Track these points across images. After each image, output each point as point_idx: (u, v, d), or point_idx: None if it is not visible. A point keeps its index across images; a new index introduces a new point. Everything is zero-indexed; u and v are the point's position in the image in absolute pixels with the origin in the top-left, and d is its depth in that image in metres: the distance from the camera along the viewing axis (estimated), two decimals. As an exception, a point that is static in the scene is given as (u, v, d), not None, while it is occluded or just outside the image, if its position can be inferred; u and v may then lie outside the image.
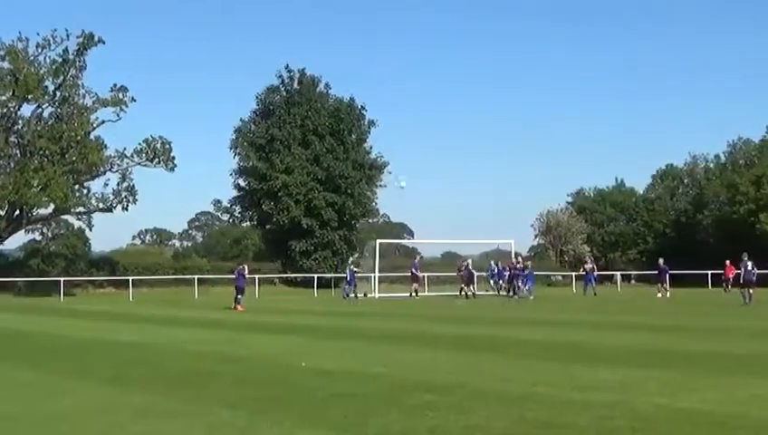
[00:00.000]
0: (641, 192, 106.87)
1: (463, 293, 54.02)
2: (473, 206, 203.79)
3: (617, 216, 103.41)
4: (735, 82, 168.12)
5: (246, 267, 46.23)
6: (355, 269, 57.70)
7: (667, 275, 55.36)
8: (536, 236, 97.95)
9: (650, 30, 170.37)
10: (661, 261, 55.28)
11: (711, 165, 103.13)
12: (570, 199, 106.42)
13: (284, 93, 79.61)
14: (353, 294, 55.41)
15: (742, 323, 28.66)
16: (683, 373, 14.63)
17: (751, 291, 42.91)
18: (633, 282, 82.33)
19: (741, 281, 44.61)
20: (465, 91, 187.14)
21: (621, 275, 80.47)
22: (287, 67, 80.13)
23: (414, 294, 55.17)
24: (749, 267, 43.99)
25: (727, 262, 57.54)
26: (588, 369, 15.47)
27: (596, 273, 57.42)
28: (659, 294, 52.60)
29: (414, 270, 57.14)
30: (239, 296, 42.74)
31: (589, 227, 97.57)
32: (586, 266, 57.56)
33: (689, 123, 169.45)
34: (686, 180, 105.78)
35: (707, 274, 69.72)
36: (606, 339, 22.32)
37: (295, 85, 79.73)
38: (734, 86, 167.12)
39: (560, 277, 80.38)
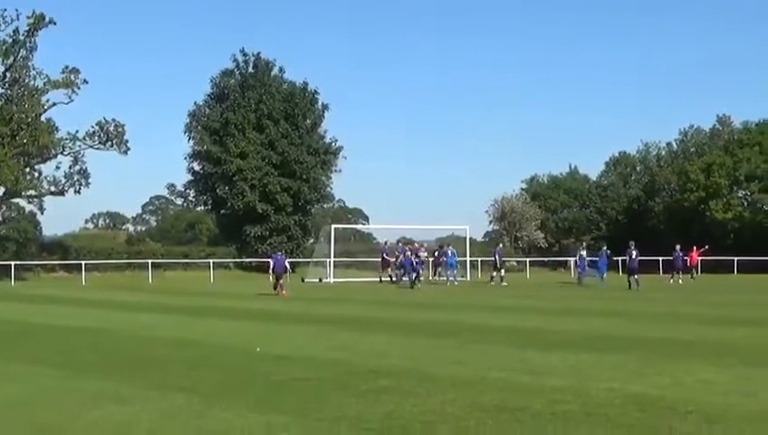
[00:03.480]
0: (594, 179, 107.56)
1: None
2: (428, 192, 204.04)
3: (570, 202, 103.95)
4: (687, 72, 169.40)
5: (283, 253, 46.04)
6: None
7: (681, 262, 54.98)
8: (491, 223, 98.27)
9: (605, 19, 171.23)
10: (678, 247, 54.91)
11: (663, 153, 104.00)
12: (524, 186, 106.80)
13: (239, 77, 79.19)
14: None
15: (692, 310, 28.93)
16: (634, 359, 14.77)
17: (636, 277, 44.63)
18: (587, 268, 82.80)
19: (627, 269, 46.56)
20: (420, 76, 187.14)
21: (575, 261, 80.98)
22: (242, 50, 79.78)
23: (391, 278, 54.72)
24: (633, 256, 46.12)
25: (694, 248, 58.01)
26: (541, 354, 15.58)
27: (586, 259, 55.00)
28: (672, 280, 52.44)
29: (385, 255, 56.64)
30: (280, 282, 42.04)
31: (543, 213, 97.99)
32: (582, 253, 55.52)
33: (642, 111, 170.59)
34: (638, 168, 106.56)
35: (659, 260, 70.26)
36: (559, 324, 22.49)
37: (250, 69, 79.34)
38: (686, 75, 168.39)
39: (514, 263, 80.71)
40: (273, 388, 12.11)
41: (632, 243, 47.27)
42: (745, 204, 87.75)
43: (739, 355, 15.17)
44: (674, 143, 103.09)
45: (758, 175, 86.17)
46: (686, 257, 55.77)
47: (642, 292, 41.14)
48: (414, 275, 49.94)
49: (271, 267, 42.79)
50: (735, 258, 71.76)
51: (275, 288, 41.45)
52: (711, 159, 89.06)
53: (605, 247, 52.71)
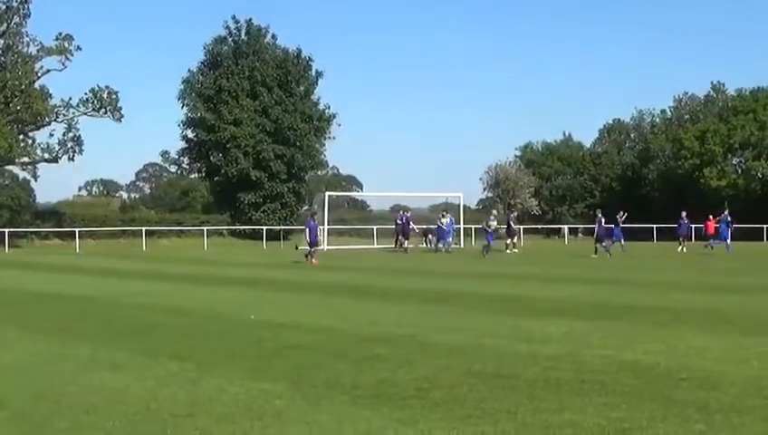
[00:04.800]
0: (588, 146, 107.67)
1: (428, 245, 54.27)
2: (422, 159, 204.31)
3: (564, 169, 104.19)
4: (681, 39, 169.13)
5: (315, 218, 44.76)
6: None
7: (687, 229, 54.66)
8: (485, 190, 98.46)
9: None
10: (684, 214, 54.51)
11: (657, 120, 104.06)
12: (518, 153, 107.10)
13: (232, 44, 79.11)
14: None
15: (685, 277, 29.00)
16: (627, 326, 14.79)
17: (605, 244, 45.46)
18: (580, 235, 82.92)
19: (595, 237, 46.63)
20: (414, 44, 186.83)
21: (569, 228, 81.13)
22: (234, 17, 79.61)
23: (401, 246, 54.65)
24: (603, 223, 46.59)
25: (710, 217, 57.81)
26: (535, 321, 15.60)
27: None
28: (680, 248, 52.04)
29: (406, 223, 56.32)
30: (312, 250, 41.32)
31: (536, 180, 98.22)
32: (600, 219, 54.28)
33: (636, 78, 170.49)
34: (632, 135, 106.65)
35: (653, 227, 70.39)
36: (553, 292, 22.51)
37: (243, 36, 79.18)
38: (681, 42, 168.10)
39: (502, 231, 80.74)
40: (267, 355, 12.12)
41: (599, 211, 48.04)
42: (739, 171, 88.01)
43: (732, 322, 15.20)
44: (668, 110, 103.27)
45: (752, 142, 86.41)
46: (690, 225, 55.36)
47: (614, 259, 41.29)
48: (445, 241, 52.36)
49: (306, 234, 42.11)
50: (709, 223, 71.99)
51: (309, 256, 40.88)
52: (705, 127, 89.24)
53: (726, 212, 50.85)
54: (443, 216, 54.54)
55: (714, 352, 11.81)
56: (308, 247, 41.13)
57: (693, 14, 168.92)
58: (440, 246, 51.88)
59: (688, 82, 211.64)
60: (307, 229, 41.95)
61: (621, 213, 52.47)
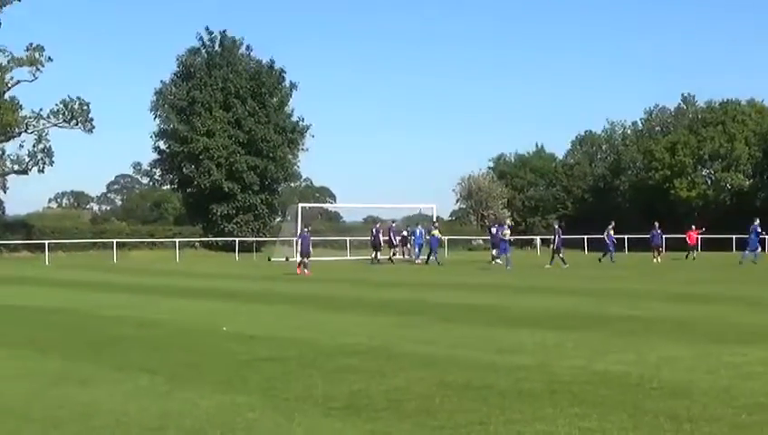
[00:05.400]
0: (561, 158, 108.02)
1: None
2: (396, 170, 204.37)
3: (537, 181, 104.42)
4: (653, 51, 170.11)
5: (309, 230, 44.58)
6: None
7: (660, 240, 54.76)
8: (458, 201, 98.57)
9: (577, 3, 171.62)
10: (656, 225, 54.78)
11: (628, 131, 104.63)
12: (491, 164, 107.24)
13: (205, 55, 78.87)
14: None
15: (656, 287, 29.15)
16: (598, 336, 14.85)
17: (562, 255, 46.26)
18: (562, 248, 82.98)
19: (554, 248, 47.20)
20: (387, 55, 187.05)
21: (541, 239, 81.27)
22: (207, 29, 79.44)
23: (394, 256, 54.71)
24: (493, 232, 48.90)
25: (693, 227, 58.00)
26: (507, 332, 15.64)
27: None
28: (655, 259, 52.10)
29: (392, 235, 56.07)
30: (305, 260, 41.28)
31: (509, 191, 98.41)
32: (611, 231, 54.30)
33: (608, 90, 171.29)
34: (604, 146, 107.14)
35: (624, 238, 70.62)
36: (525, 302, 22.58)
37: (216, 47, 79.01)
38: (652, 55, 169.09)
39: (480, 241, 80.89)
40: (239, 367, 12.08)
41: (557, 221, 48.07)
42: (709, 182, 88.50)
43: (702, 332, 15.28)
44: (639, 122, 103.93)
45: (721, 154, 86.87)
46: (662, 235, 55.48)
47: (572, 269, 41.82)
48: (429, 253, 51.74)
49: (298, 246, 41.97)
50: (699, 236, 72.26)
51: (301, 266, 40.86)
52: (676, 138, 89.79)
53: (757, 222, 49.11)
54: (434, 227, 54.27)
55: (684, 362, 11.88)
56: (299, 258, 41.08)
57: (663, 26, 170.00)
58: (432, 258, 51.18)
59: (659, 94, 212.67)
60: (300, 240, 41.87)
61: (612, 224, 52.73)
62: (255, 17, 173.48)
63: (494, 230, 51.87)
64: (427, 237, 53.24)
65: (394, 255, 54.49)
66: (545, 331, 15.61)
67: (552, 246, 48.26)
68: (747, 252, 46.66)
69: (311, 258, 41.88)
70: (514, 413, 8.83)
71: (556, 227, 48.13)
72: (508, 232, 46.86)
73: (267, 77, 78.14)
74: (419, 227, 56.31)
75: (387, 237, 55.68)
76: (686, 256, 54.77)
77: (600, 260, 50.50)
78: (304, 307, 22.35)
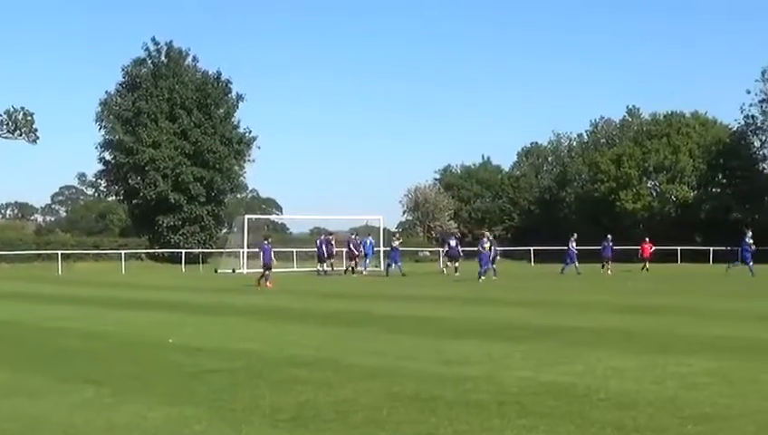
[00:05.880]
0: (507, 169, 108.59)
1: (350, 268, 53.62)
2: (342, 182, 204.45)
3: (483, 192, 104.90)
4: (598, 63, 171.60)
5: (269, 241, 43.56)
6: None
7: (611, 252, 54.89)
8: (404, 212, 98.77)
9: (517, 11, 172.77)
10: (609, 237, 55.01)
11: (574, 143, 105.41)
12: (437, 176, 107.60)
13: (151, 66, 78.44)
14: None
15: (604, 298, 29.32)
16: (546, 347, 14.91)
17: (457, 264, 48.23)
18: (498, 258, 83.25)
19: (446, 255, 49.38)
20: (333, 65, 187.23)
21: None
22: (154, 39, 79.05)
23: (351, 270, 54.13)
24: (453, 244, 50.39)
25: (647, 240, 58.37)
26: (455, 343, 15.66)
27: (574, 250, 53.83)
28: (608, 271, 52.22)
29: (351, 246, 55.50)
30: (267, 272, 40.58)
31: (456, 203, 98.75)
32: (572, 244, 54.40)
33: (553, 102, 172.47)
34: (550, 158, 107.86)
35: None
36: (473, 314, 22.63)
37: (162, 58, 78.62)
38: (597, 66, 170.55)
39: (427, 253, 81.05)
40: (186, 379, 12.01)
41: (487, 233, 48.94)
42: (654, 194, 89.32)
43: (648, 343, 15.39)
44: (585, 134, 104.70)
45: (666, 166, 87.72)
46: (613, 247, 55.75)
47: (517, 280, 42.74)
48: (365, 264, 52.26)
49: (261, 257, 41.61)
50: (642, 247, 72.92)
51: (263, 279, 40.31)
52: (621, 150, 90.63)
53: (750, 234, 49.24)
54: (396, 239, 54.02)
55: (631, 373, 11.95)
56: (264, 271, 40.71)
57: (608, 39, 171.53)
58: (394, 268, 50.39)
59: (604, 106, 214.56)
60: (261, 252, 41.52)
61: (575, 236, 52.91)
62: (202, 29, 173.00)
63: (452, 243, 52.02)
64: (381, 249, 53.05)
65: (356, 266, 54.13)
66: (493, 342, 15.66)
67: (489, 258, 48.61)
68: (750, 264, 46.79)
69: (273, 270, 41.44)
70: (462, 424, 8.84)
71: (491, 238, 48.63)
72: (488, 244, 45.77)
73: (213, 88, 77.91)
74: (369, 238, 56.35)
75: (347, 249, 55.42)
76: (642, 269, 55.16)
77: (562, 271, 50.65)
78: (251, 319, 22.26)
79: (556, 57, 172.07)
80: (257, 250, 42.48)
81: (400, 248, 53.57)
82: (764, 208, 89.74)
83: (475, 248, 46.48)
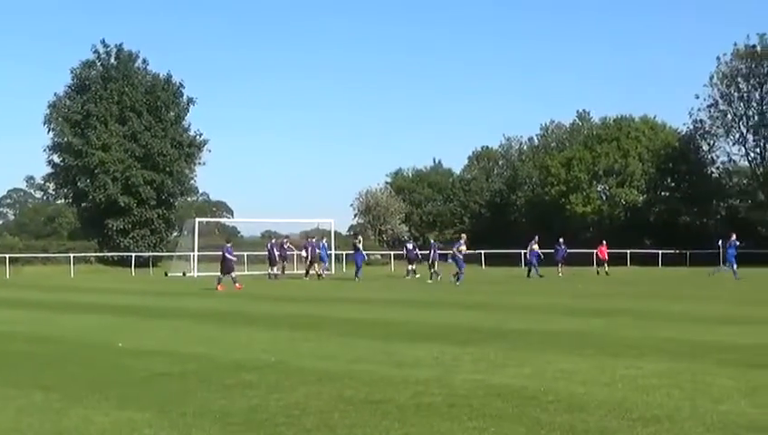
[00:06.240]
0: (458, 173, 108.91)
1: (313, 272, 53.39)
2: (293, 185, 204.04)
3: (434, 196, 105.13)
4: (549, 67, 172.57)
5: (231, 244, 43.46)
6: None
7: (564, 254, 54.99)
8: (356, 216, 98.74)
9: (466, 14, 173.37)
10: (561, 240, 55.15)
11: (524, 147, 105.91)
12: (388, 179, 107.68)
13: (101, 68, 77.94)
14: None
15: (555, 301, 29.48)
16: (496, 350, 14.95)
17: (413, 266, 49.48)
18: (449, 261, 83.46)
19: (429, 262, 49.36)
20: (286, 70, 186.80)
21: (439, 254, 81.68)
22: (103, 41, 78.56)
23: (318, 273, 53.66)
24: (410, 247, 51.93)
25: (603, 242, 58.65)
26: (406, 346, 15.67)
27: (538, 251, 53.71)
28: (559, 273, 52.24)
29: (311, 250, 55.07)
30: (225, 276, 40.51)
31: (407, 206, 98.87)
32: (534, 246, 54.41)
33: (504, 106, 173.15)
34: (500, 162, 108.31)
35: (520, 253, 71.33)
36: (424, 317, 22.66)
37: (112, 60, 78.16)
38: (548, 71, 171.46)
39: (379, 256, 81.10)
40: (136, 384, 11.94)
41: (409, 236, 49.23)
42: (604, 198, 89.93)
43: (598, 345, 15.49)
44: (535, 138, 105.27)
45: (616, 170, 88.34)
46: (566, 250, 55.97)
47: (421, 280, 43.84)
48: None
49: (222, 261, 41.39)
50: (594, 251, 73.37)
51: (220, 283, 40.11)
52: (571, 154, 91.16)
53: (734, 237, 49.22)
54: (359, 242, 53.75)
55: (580, 375, 12.02)
56: (222, 275, 40.42)
57: (559, 42, 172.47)
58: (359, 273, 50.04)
59: (555, 110, 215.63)
60: (225, 254, 41.27)
61: (536, 238, 53.01)
62: (153, 32, 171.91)
63: (410, 246, 52.19)
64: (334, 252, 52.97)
65: (319, 270, 53.88)
66: (444, 345, 15.69)
67: (428, 260, 48.94)
68: (734, 267, 46.98)
69: (233, 273, 41.22)
70: (413, 427, 8.86)
71: (432, 241, 49.02)
72: (464, 248, 45.75)
73: (164, 91, 77.60)
74: (324, 240, 56.33)
75: (309, 253, 55.09)
76: (601, 272, 55.48)
77: (528, 276, 50.77)
78: (202, 322, 22.14)
79: (506, 61, 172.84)
80: (225, 253, 42.01)
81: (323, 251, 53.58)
82: (713, 212, 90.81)
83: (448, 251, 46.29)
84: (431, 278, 46.46)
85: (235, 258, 41.86)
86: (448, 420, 9.11)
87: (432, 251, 48.66)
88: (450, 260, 45.80)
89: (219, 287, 39.10)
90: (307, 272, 53.23)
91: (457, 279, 42.47)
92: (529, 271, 51.48)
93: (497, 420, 9.10)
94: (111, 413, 9.81)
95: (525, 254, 53.81)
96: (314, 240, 55.72)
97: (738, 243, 49.24)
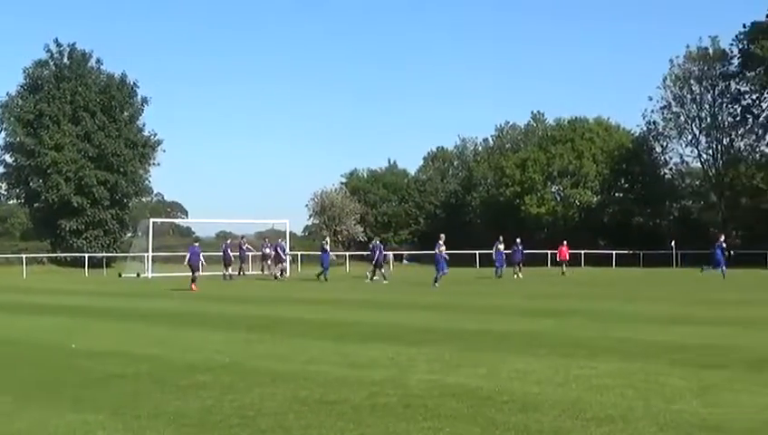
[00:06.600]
0: (413, 173, 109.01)
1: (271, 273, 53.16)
2: (248, 186, 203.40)
3: (389, 196, 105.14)
4: (504, 68, 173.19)
5: (199, 244, 43.12)
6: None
7: (521, 256, 54.85)
8: (311, 217, 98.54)
9: (417, 15, 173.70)
10: (518, 241, 55.03)
11: (480, 148, 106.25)
12: (344, 180, 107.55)
13: (54, 68, 77.38)
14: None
15: (510, 301, 29.58)
16: (451, 350, 14.98)
17: (383, 270, 48.81)
18: (405, 262, 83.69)
19: (374, 262, 49.18)
20: (241, 70, 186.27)
21: (394, 254, 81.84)
22: (56, 41, 78.02)
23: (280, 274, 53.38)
24: (382, 250, 50.38)
25: (564, 243, 58.71)
26: (361, 347, 15.68)
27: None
28: (519, 276, 52.03)
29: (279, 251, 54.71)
30: (193, 276, 40.23)
31: (362, 207, 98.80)
32: (500, 246, 54.15)
33: (459, 107, 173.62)
34: (455, 162, 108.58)
35: (475, 254, 71.55)
36: (379, 317, 22.66)
37: (65, 60, 77.62)
38: (503, 72, 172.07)
39: (334, 257, 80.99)
40: (90, 385, 11.86)
41: (377, 238, 51.51)
42: (558, 199, 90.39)
43: (551, 346, 15.55)
44: (490, 139, 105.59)
45: (570, 171, 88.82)
46: (523, 251, 55.94)
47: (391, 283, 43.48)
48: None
49: (187, 260, 41.22)
50: (549, 251, 73.72)
51: (193, 282, 39.89)
52: (526, 155, 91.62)
53: (722, 239, 49.69)
54: (326, 243, 53.35)
55: (535, 375, 12.07)
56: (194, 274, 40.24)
57: (514, 44, 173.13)
58: (325, 273, 49.48)
59: (510, 111, 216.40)
60: (190, 255, 41.03)
61: (500, 238, 52.93)
62: (107, 32, 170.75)
63: (371, 246, 52.03)
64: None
65: (282, 271, 53.67)
66: (399, 345, 15.70)
67: (372, 261, 48.97)
68: (724, 267, 47.23)
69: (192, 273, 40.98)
70: (368, 428, 8.87)
71: (377, 242, 49.14)
72: (443, 247, 45.25)
73: (118, 91, 77.18)
74: (281, 241, 56.14)
75: (275, 254, 54.80)
76: (564, 272, 55.61)
77: (498, 276, 50.83)
78: (156, 323, 22.03)
79: (461, 62, 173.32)
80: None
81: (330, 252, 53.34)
82: (665, 213, 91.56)
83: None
84: (371, 278, 46.56)
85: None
86: (404, 421, 9.13)
87: (377, 253, 48.61)
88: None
89: (194, 287, 39.15)
90: (277, 273, 52.96)
91: (435, 281, 42.13)
92: (497, 271, 51.54)
93: (452, 421, 9.13)
94: (65, 415, 9.75)
95: (492, 254, 53.69)
96: (280, 241, 55.64)
97: (725, 245, 49.61)
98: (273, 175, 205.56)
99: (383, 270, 49.42)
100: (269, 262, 55.61)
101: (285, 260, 55.17)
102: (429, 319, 22.04)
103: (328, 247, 50.97)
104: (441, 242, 44.94)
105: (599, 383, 11.37)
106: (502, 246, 52.50)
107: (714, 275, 46.47)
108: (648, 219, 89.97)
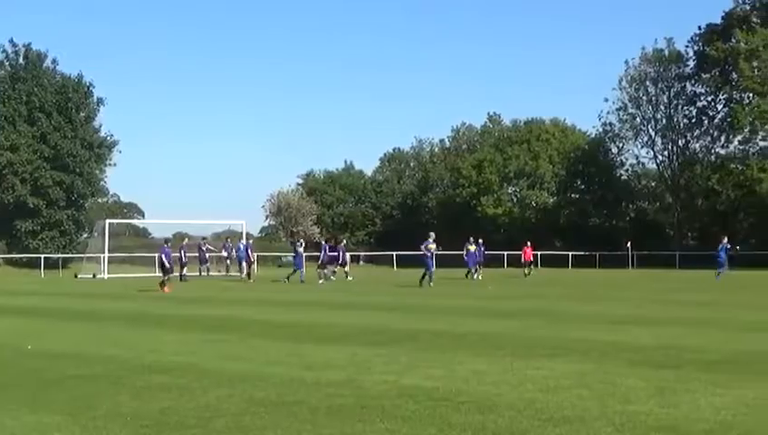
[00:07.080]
0: (369, 174, 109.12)
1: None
2: (205, 187, 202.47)
3: (346, 197, 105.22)
4: (460, 70, 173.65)
5: (169, 244, 42.99)
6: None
7: (482, 256, 54.71)
8: (267, 217, 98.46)
9: (377, 15, 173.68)
10: (480, 241, 54.93)
11: (436, 149, 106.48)
12: (300, 181, 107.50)
13: (9, 68, 76.88)
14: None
15: (466, 303, 29.66)
16: (408, 351, 15.03)
17: (336, 269, 50.14)
18: (362, 263, 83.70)
19: (319, 262, 50.10)
20: (196, 71, 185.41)
21: (350, 255, 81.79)
22: (12, 41, 77.51)
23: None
24: (327, 251, 50.69)
25: (528, 244, 58.73)
26: (317, 348, 15.69)
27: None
28: (477, 275, 51.86)
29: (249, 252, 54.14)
30: (166, 277, 40.07)
31: (319, 208, 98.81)
32: (470, 247, 53.89)
33: (415, 108, 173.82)
34: (412, 163, 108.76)
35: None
36: (335, 319, 22.67)
37: (20, 60, 77.11)
38: (457, 73, 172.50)
39: (290, 258, 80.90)
40: (46, 386, 11.81)
41: (324, 239, 49.94)
42: (515, 200, 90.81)
43: (508, 347, 15.61)
44: (446, 140, 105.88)
45: (526, 172, 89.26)
46: (484, 252, 55.87)
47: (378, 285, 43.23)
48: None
49: (158, 260, 40.80)
50: (506, 252, 73.99)
51: (164, 284, 39.59)
52: (482, 156, 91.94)
53: (725, 240, 49.79)
54: (300, 244, 52.88)
55: (491, 376, 12.13)
56: (164, 276, 40.03)
57: (470, 44, 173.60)
58: (300, 276, 48.59)
59: (466, 112, 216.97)
60: (162, 255, 40.83)
61: (471, 239, 52.79)
62: (63, 32, 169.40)
63: (339, 247, 51.95)
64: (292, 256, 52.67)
65: (249, 272, 53.31)
66: (355, 346, 15.73)
67: (318, 261, 49.11)
68: (722, 269, 47.62)
69: (173, 274, 40.78)
70: (325, 429, 8.89)
71: (323, 243, 49.50)
72: (433, 246, 44.76)
73: (74, 91, 76.73)
74: (242, 241, 55.93)
75: (245, 255, 54.40)
76: (528, 273, 55.55)
77: (470, 277, 50.74)
78: (112, 324, 21.93)
79: (418, 63, 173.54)
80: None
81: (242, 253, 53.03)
82: (622, 214, 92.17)
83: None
84: (321, 278, 46.74)
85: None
86: (360, 422, 9.16)
87: (323, 253, 48.65)
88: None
89: (166, 289, 38.90)
90: (248, 274, 52.43)
91: (425, 278, 42.07)
92: (468, 272, 51.48)
93: (409, 422, 9.17)
94: (21, 417, 9.70)
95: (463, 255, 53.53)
96: (251, 242, 55.47)
97: (729, 246, 50.12)
98: (229, 175, 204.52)
99: (335, 268, 49.53)
100: (242, 263, 54.93)
101: (252, 262, 54.87)
102: (385, 320, 22.07)
103: (302, 249, 50.82)
104: (431, 240, 44.78)
105: (556, 384, 11.43)
106: (473, 248, 52.38)
107: (728, 276, 46.73)
108: (605, 220, 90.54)
